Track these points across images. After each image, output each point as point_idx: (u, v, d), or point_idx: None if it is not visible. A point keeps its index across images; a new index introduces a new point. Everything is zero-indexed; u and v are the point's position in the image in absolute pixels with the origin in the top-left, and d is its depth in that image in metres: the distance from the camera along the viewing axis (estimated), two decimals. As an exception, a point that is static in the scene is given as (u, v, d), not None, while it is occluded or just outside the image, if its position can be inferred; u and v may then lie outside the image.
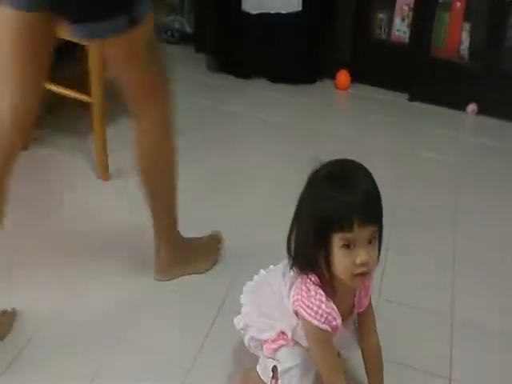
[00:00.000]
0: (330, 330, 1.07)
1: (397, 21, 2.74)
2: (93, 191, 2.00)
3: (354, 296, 1.15)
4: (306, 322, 1.08)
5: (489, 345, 1.54)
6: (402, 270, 1.75)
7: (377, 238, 1.05)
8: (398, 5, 2.70)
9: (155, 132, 1.47)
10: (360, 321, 1.20)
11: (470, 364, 1.48)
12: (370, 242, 1.03)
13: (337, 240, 1.02)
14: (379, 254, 1.07)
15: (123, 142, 2.15)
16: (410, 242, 1.88)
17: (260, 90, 2.75)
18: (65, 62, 2.28)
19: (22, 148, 2.07)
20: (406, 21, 2.74)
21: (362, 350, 1.23)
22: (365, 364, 1.23)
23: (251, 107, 2.61)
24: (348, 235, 1.01)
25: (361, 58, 2.72)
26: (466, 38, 2.63)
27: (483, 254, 1.86)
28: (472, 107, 2.66)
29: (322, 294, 1.07)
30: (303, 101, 2.70)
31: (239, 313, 1.27)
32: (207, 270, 1.67)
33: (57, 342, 1.44)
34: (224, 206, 1.97)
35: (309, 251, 1.06)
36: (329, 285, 1.07)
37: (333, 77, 2.80)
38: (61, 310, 1.53)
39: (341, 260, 1.03)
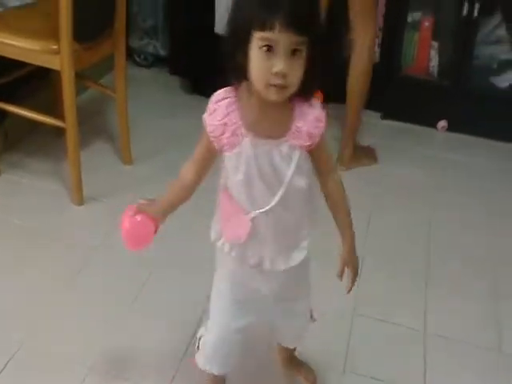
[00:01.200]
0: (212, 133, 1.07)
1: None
2: (67, 215, 2.02)
3: (292, 121, 1.07)
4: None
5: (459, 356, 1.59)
6: (376, 285, 1.80)
7: (303, 53, 0.99)
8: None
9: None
10: (314, 159, 1.13)
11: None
12: (294, 53, 0.97)
13: (256, 40, 0.97)
14: (311, 75, 1.01)
15: (96, 165, 2.22)
16: (384, 257, 1.93)
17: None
18: (37, 87, 2.32)
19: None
20: (376, 40, 2.82)
21: (325, 199, 1.17)
22: (332, 213, 1.18)
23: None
24: (268, 35, 0.96)
25: (332, 78, 2.77)
26: (434, 56, 2.73)
27: (457, 268, 1.92)
28: (442, 124, 2.74)
29: (231, 103, 1.05)
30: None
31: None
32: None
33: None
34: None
35: (231, 55, 1.02)
36: (251, 96, 1.03)
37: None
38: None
39: (257, 64, 0.98)
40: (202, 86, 2.90)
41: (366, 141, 2.60)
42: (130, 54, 2.94)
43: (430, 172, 2.45)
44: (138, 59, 3.09)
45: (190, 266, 1.82)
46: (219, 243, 1.18)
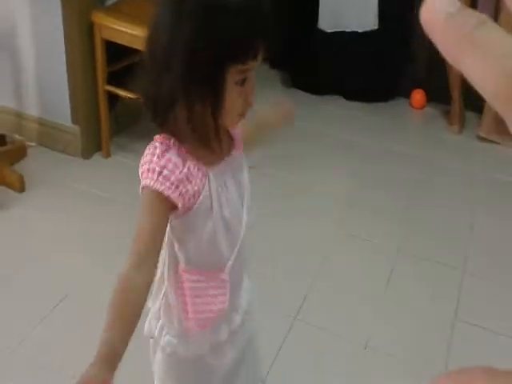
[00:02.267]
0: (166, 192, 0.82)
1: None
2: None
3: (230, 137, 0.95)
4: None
5: None
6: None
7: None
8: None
9: None
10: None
11: None
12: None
13: (232, 75, 0.81)
14: None
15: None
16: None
17: (334, 107, 2.83)
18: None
19: (105, 155, 2.28)
20: None
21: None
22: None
23: (324, 124, 2.69)
24: (248, 66, 0.82)
25: (437, 77, 2.74)
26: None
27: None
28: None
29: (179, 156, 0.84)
30: (376, 119, 2.76)
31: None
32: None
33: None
34: (292, 222, 2.06)
35: (182, 95, 0.82)
36: (202, 136, 0.85)
37: (408, 95, 2.84)
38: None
39: (232, 99, 0.83)
40: (301, 81, 2.96)
41: (464, 143, 2.55)
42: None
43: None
44: (240, 53, 3.19)
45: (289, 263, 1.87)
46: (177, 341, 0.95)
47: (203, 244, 0.89)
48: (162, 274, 0.92)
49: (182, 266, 0.89)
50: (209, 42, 0.79)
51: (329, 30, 2.81)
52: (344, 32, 2.81)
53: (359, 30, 2.79)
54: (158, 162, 0.82)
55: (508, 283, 1.83)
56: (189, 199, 0.84)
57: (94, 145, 2.32)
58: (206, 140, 0.86)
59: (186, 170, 0.83)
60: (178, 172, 0.82)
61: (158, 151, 0.83)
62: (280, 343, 1.58)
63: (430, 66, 2.79)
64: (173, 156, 0.83)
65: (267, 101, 3.06)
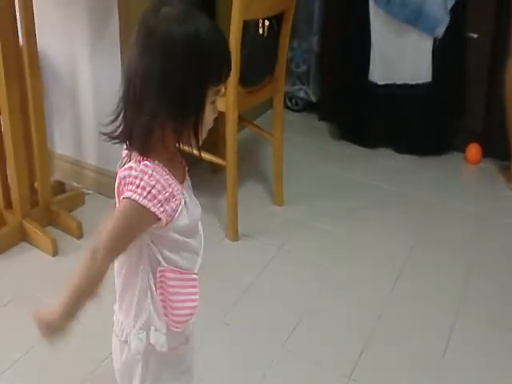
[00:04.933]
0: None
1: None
2: (223, 251, 2.18)
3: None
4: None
5: None
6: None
7: None
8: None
9: None
10: None
11: None
12: None
13: (211, 95, 0.94)
14: None
15: (250, 204, 2.38)
16: None
17: (385, 160, 2.87)
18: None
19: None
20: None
21: None
22: None
23: (375, 177, 2.72)
24: (221, 86, 0.96)
25: (494, 131, 2.76)
26: None
27: None
28: None
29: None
30: (429, 173, 2.78)
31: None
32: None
33: None
34: (341, 281, 2.08)
35: (163, 123, 0.93)
36: (166, 150, 0.96)
37: (463, 150, 2.86)
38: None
39: (210, 117, 0.96)
40: (351, 133, 3.02)
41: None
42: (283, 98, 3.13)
43: None
44: (289, 103, 3.29)
45: (342, 320, 1.89)
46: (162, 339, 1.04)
47: (179, 246, 1.00)
48: (137, 278, 1.01)
49: (162, 265, 1.00)
50: (194, 70, 0.91)
51: (380, 83, 2.87)
52: (396, 84, 2.87)
53: (411, 83, 2.85)
54: (148, 181, 0.92)
55: None
56: (170, 213, 0.95)
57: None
58: (181, 159, 1.01)
59: (170, 189, 0.94)
60: (164, 192, 0.93)
61: (149, 170, 0.93)
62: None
63: (486, 120, 2.81)
64: (161, 177, 0.94)
65: (318, 153, 3.15)
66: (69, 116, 2.46)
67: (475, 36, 2.75)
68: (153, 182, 0.92)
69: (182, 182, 1.00)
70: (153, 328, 1.03)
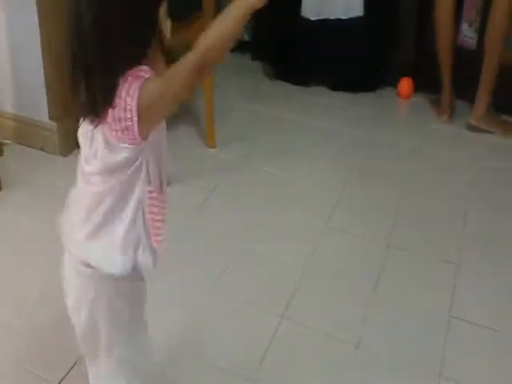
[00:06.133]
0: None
1: (464, 26, 2.79)
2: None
3: None
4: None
5: None
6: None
7: None
8: (465, 9, 2.75)
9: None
10: None
11: None
12: None
13: (162, 8, 1.00)
14: None
15: (181, 148, 2.34)
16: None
17: (319, 98, 2.86)
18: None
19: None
20: (474, 25, 2.79)
21: None
22: None
23: (309, 115, 2.72)
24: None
25: (425, 65, 2.78)
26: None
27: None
28: None
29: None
30: (363, 109, 2.80)
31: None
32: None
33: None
34: (279, 216, 2.10)
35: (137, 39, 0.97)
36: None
37: (395, 85, 2.88)
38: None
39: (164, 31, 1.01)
40: (284, 72, 2.99)
41: (451, 132, 2.62)
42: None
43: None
44: (221, 43, 3.20)
45: (277, 258, 1.91)
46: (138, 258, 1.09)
47: (155, 163, 1.04)
48: (128, 205, 1.05)
49: (145, 185, 1.04)
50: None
51: (313, 18, 2.84)
52: (328, 20, 2.84)
53: (344, 17, 2.82)
54: (131, 78, 0.95)
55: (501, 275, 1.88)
56: None
57: (72, 141, 2.32)
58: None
59: (151, 71, 0.97)
60: (149, 71, 0.97)
61: (128, 79, 0.96)
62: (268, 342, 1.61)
63: (417, 54, 2.83)
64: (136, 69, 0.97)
65: (251, 93, 3.13)
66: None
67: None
68: (132, 75, 0.96)
69: None
70: (141, 248, 1.07)
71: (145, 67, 0.97)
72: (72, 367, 1.50)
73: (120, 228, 1.05)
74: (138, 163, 1.01)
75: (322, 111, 2.76)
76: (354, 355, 1.59)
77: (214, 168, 2.33)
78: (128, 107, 0.95)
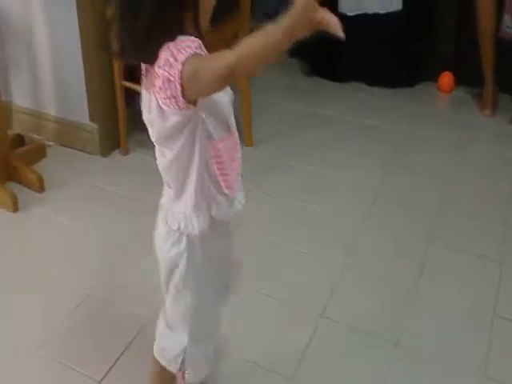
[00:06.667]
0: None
1: (506, 17, 2.72)
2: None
3: None
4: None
5: None
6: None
7: None
8: (507, 0, 2.68)
9: None
10: None
11: None
12: None
13: None
14: None
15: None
16: None
17: (357, 94, 2.84)
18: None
19: (124, 152, 2.33)
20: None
21: None
22: None
23: (347, 111, 2.70)
24: None
25: (465, 59, 2.73)
26: None
27: None
28: None
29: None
30: (402, 104, 2.76)
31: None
32: None
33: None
34: (318, 210, 2.09)
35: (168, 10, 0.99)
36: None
37: (435, 79, 2.84)
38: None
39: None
40: (321, 69, 2.97)
41: (495, 126, 2.57)
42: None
43: None
44: (258, 41, 3.20)
45: (316, 256, 1.90)
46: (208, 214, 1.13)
47: (218, 111, 1.07)
48: (193, 164, 1.08)
49: (213, 138, 1.07)
50: None
51: (350, 14, 2.81)
52: (366, 15, 2.81)
53: (382, 12, 2.79)
54: (176, 48, 0.97)
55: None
56: None
57: (112, 142, 2.38)
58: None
59: (198, 41, 0.99)
60: (196, 41, 0.98)
61: (170, 45, 0.97)
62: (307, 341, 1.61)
63: (458, 48, 2.78)
64: (183, 37, 0.99)
65: (288, 90, 3.12)
66: (26, 68, 2.39)
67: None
68: (177, 46, 0.97)
69: None
70: (213, 203, 1.11)
71: (191, 38, 0.98)
72: (114, 364, 1.53)
73: (190, 188, 1.09)
74: (191, 126, 1.03)
75: (360, 107, 2.73)
76: (393, 353, 1.57)
77: (251, 167, 2.33)
78: (172, 79, 0.96)
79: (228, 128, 1.10)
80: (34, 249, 1.94)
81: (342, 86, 2.89)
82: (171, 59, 0.96)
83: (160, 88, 0.98)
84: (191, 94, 0.97)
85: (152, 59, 0.99)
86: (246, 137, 2.44)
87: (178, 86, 0.96)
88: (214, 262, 1.18)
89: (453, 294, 1.75)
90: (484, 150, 2.43)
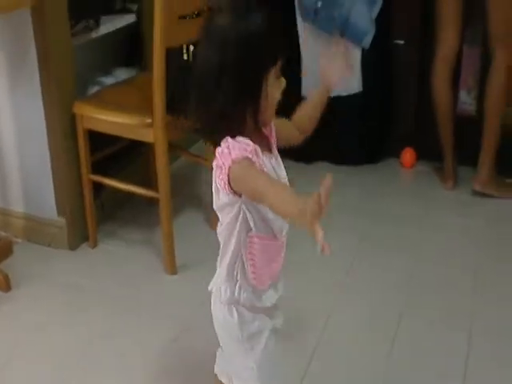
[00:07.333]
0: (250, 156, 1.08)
1: (462, 93, 2.85)
2: (160, 285, 2.17)
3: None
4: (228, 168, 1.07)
5: None
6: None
7: None
8: (462, 77, 2.81)
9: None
10: (280, 130, 1.28)
11: None
12: None
13: (271, 74, 1.09)
14: None
15: (188, 233, 2.36)
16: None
17: (322, 172, 2.87)
18: (130, 160, 2.55)
19: (92, 245, 2.32)
20: (472, 93, 2.84)
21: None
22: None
23: (314, 190, 2.73)
24: (278, 65, 1.10)
25: (426, 134, 2.82)
26: None
27: None
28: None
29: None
30: (367, 181, 2.84)
31: None
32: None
33: None
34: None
35: (231, 110, 1.08)
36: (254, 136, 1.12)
37: (398, 155, 2.92)
38: None
39: (274, 92, 1.11)
40: (289, 150, 3.02)
41: (457, 199, 2.66)
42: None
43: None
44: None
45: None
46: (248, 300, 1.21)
47: (262, 214, 1.14)
48: (231, 243, 1.16)
49: (252, 230, 1.14)
50: (255, 58, 1.07)
51: (312, 98, 2.90)
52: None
53: (344, 94, 2.89)
54: (233, 145, 1.06)
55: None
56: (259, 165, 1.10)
57: (80, 235, 2.37)
58: (263, 134, 1.17)
59: (253, 146, 1.08)
60: (251, 146, 1.07)
61: (230, 140, 1.07)
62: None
63: (418, 124, 2.88)
64: (241, 139, 1.08)
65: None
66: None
67: (402, 42, 2.83)
68: (237, 145, 1.06)
69: (270, 152, 1.17)
70: (237, 285, 1.19)
71: (247, 141, 1.07)
72: None
73: (226, 260, 1.18)
74: (235, 210, 1.12)
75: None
76: None
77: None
78: (223, 168, 1.06)
79: (271, 231, 1.17)
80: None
81: (307, 167, 2.94)
82: (226, 151, 1.06)
83: (216, 167, 1.08)
84: (237, 189, 1.08)
85: (216, 142, 1.09)
86: (215, 222, 2.43)
87: (226, 177, 1.06)
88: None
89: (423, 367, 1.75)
90: (448, 222, 2.50)
